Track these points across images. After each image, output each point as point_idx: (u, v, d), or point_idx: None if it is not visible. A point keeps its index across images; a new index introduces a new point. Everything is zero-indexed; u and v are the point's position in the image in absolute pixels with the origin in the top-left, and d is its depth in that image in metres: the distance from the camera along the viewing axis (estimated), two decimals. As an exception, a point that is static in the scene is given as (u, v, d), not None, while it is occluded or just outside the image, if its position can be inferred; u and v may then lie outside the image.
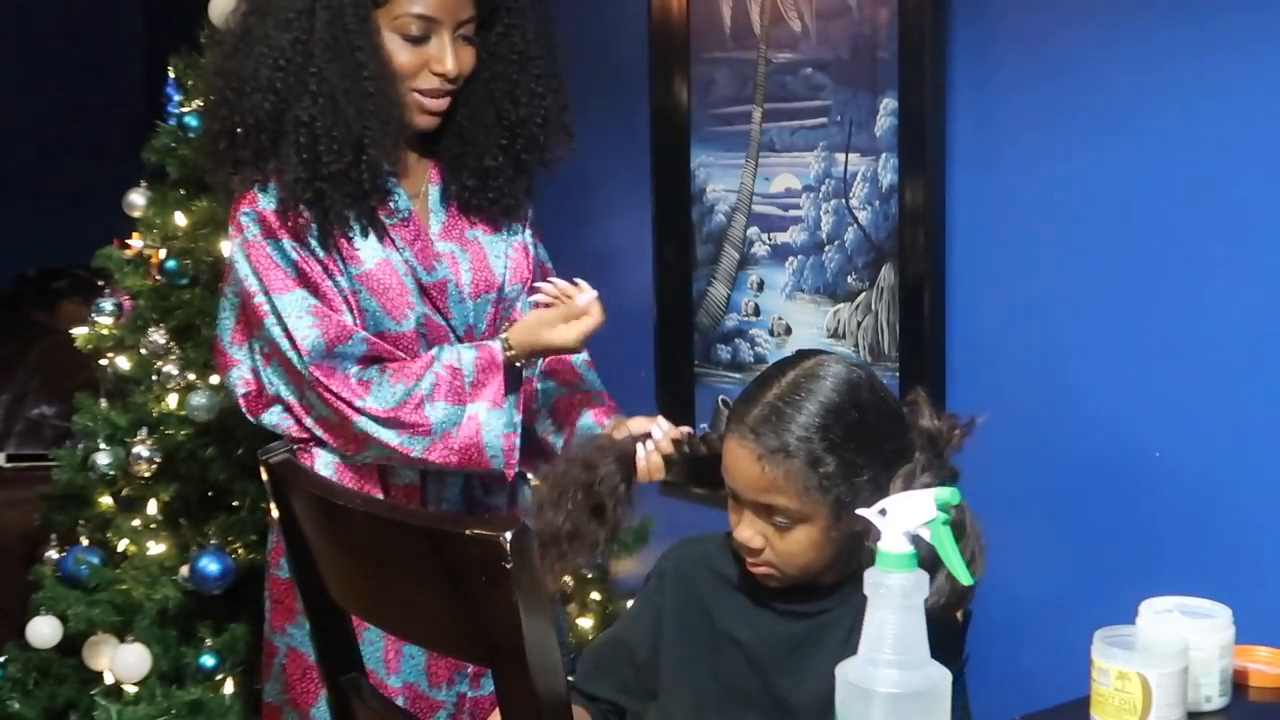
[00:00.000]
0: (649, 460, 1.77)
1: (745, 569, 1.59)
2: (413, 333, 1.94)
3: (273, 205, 1.88)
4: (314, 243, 1.88)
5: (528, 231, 2.10)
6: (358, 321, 1.91)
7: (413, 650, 1.94)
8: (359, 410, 1.86)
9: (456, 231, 2.01)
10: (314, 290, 1.88)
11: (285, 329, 1.87)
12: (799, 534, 1.51)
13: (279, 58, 1.85)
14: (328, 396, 1.87)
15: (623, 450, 1.72)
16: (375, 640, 1.92)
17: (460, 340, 1.99)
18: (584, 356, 2.13)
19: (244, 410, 2.02)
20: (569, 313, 1.89)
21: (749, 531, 1.53)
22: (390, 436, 1.86)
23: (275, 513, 1.58)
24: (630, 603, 1.82)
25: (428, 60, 1.90)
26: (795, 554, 1.52)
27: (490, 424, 1.89)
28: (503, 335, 1.93)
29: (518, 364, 1.93)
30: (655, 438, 1.79)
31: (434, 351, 1.93)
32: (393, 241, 1.93)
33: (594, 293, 1.89)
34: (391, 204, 1.93)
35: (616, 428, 1.94)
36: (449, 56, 1.90)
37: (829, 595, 1.57)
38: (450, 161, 2.00)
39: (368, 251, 1.91)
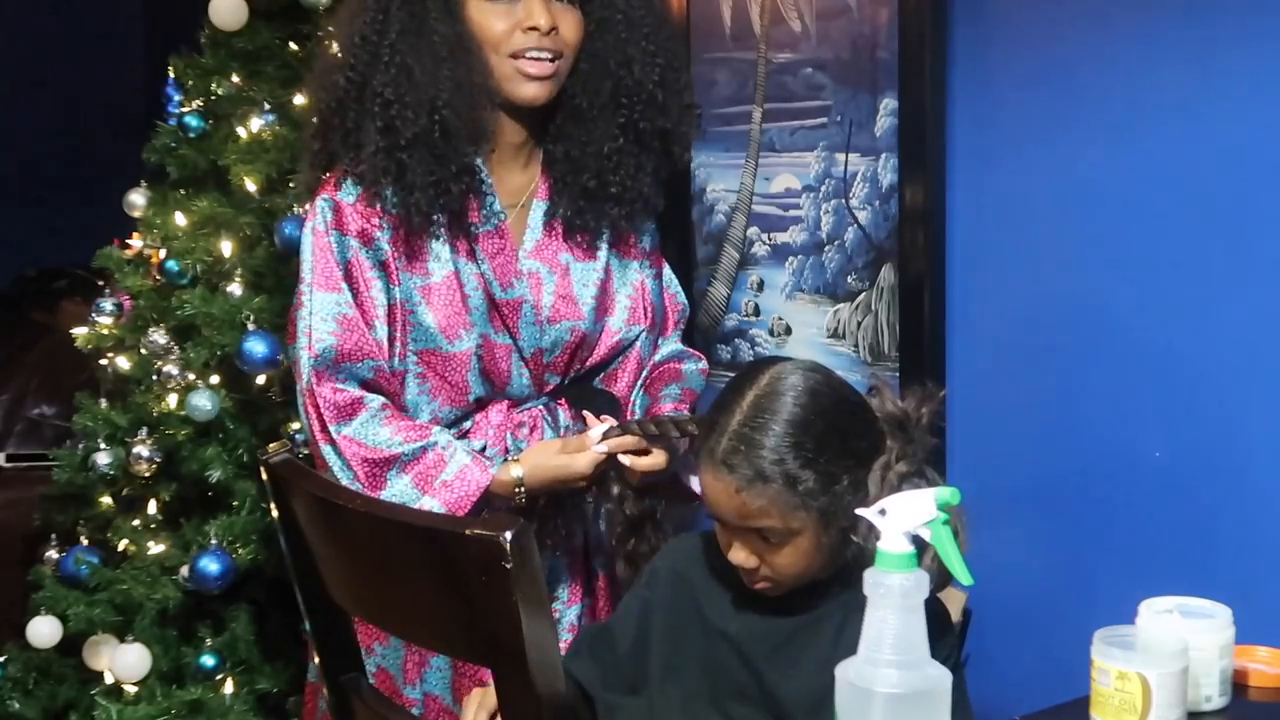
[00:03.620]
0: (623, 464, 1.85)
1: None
2: (466, 353, 1.89)
3: (351, 198, 1.85)
4: (383, 242, 1.84)
5: (647, 268, 2.02)
6: (396, 340, 1.86)
7: (440, 662, 1.92)
8: (330, 437, 1.82)
9: (549, 252, 1.94)
10: (355, 297, 1.84)
11: (309, 325, 1.84)
12: (791, 548, 1.52)
13: (355, 36, 1.84)
14: (310, 409, 1.83)
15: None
16: (397, 648, 1.91)
17: (525, 361, 1.93)
18: (674, 348, 2.08)
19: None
20: (576, 444, 1.85)
21: (742, 554, 1.54)
22: (344, 476, 1.82)
23: (275, 513, 1.58)
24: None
25: (520, 21, 1.84)
26: (790, 564, 1.53)
27: None
28: (518, 460, 1.87)
29: (518, 491, 1.86)
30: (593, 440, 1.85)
31: (437, 431, 1.87)
32: (473, 252, 1.87)
33: (603, 426, 1.86)
34: (483, 210, 1.88)
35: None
36: (538, 9, 1.83)
37: (820, 590, 1.58)
38: (571, 165, 1.92)
39: (438, 262, 1.86)
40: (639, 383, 2.03)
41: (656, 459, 1.84)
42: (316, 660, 2.02)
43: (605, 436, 1.84)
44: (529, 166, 1.95)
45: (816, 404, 1.52)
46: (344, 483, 1.81)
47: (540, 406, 1.97)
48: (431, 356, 1.88)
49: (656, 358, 2.05)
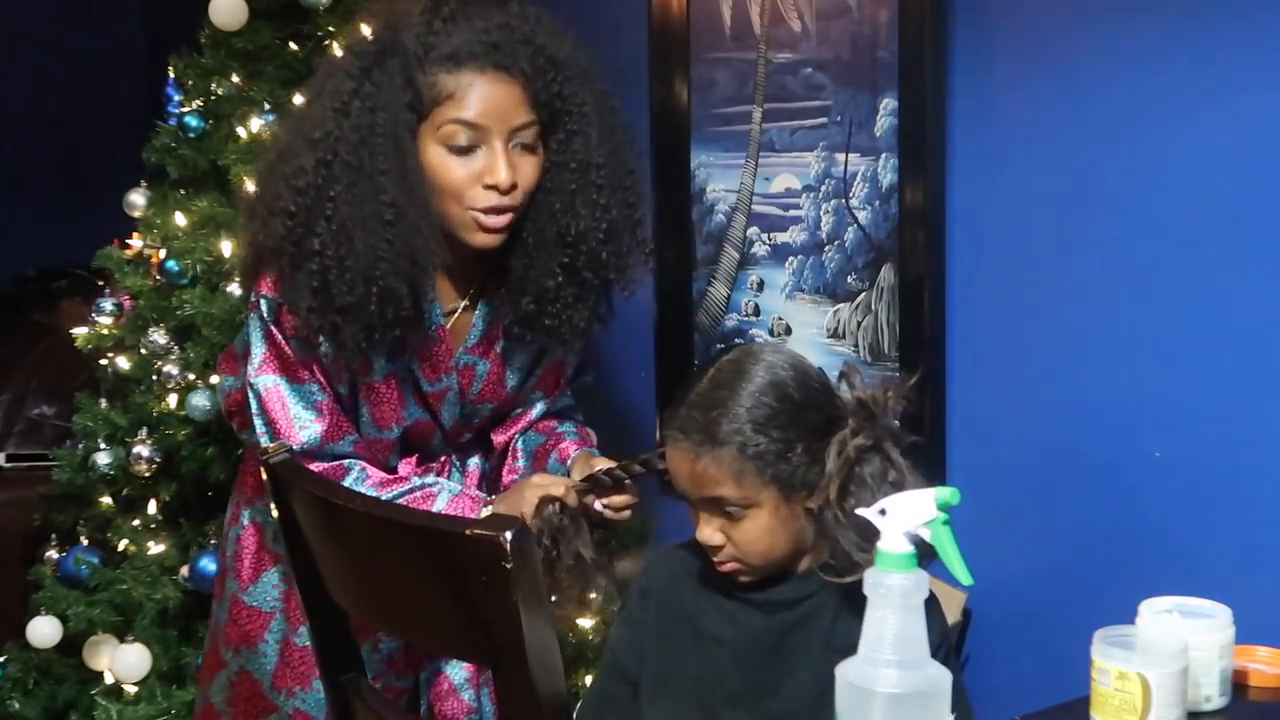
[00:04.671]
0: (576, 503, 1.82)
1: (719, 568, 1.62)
2: (391, 440, 1.92)
3: (288, 309, 1.82)
4: (325, 347, 1.82)
5: (572, 353, 2.03)
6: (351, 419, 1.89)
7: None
8: None
9: (485, 345, 1.94)
10: (321, 387, 1.84)
11: (273, 415, 1.83)
12: (751, 521, 1.54)
13: (300, 180, 1.74)
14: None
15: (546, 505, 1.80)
16: (265, 654, 1.97)
17: (445, 433, 1.97)
18: (566, 401, 2.11)
19: (224, 413, 2.07)
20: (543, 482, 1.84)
21: (707, 530, 1.56)
22: None
23: (275, 512, 1.58)
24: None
25: (480, 174, 1.76)
26: (753, 541, 1.55)
27: None
28: (489, 501, 1.89)
29: None
30: (558, 494, 1.81)
31: (415, 479, 1.90)
32: (406, 355, 1.87)
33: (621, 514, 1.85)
34: (422, 320, 1.85)
35: (577, 465, 1.93)
36: (501, 166, 1.75)
37: (806, 582, 1.59)
38: (513, 283, 1.88)
39: (378, 365, 1.85)
40: (523, 430, 2.06)
41: (628, 499, 1.85)
42: (219, 639, 2.06)
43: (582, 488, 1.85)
44: (476, 270, 1.92)
45: (773, 376, 1.56)
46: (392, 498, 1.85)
47: (451, 454, 2.02)
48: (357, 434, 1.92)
49: (553, 408, 2.10)
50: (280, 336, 1.83)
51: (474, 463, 2.05)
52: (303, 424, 1.83)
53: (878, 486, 1.50)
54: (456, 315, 1.91)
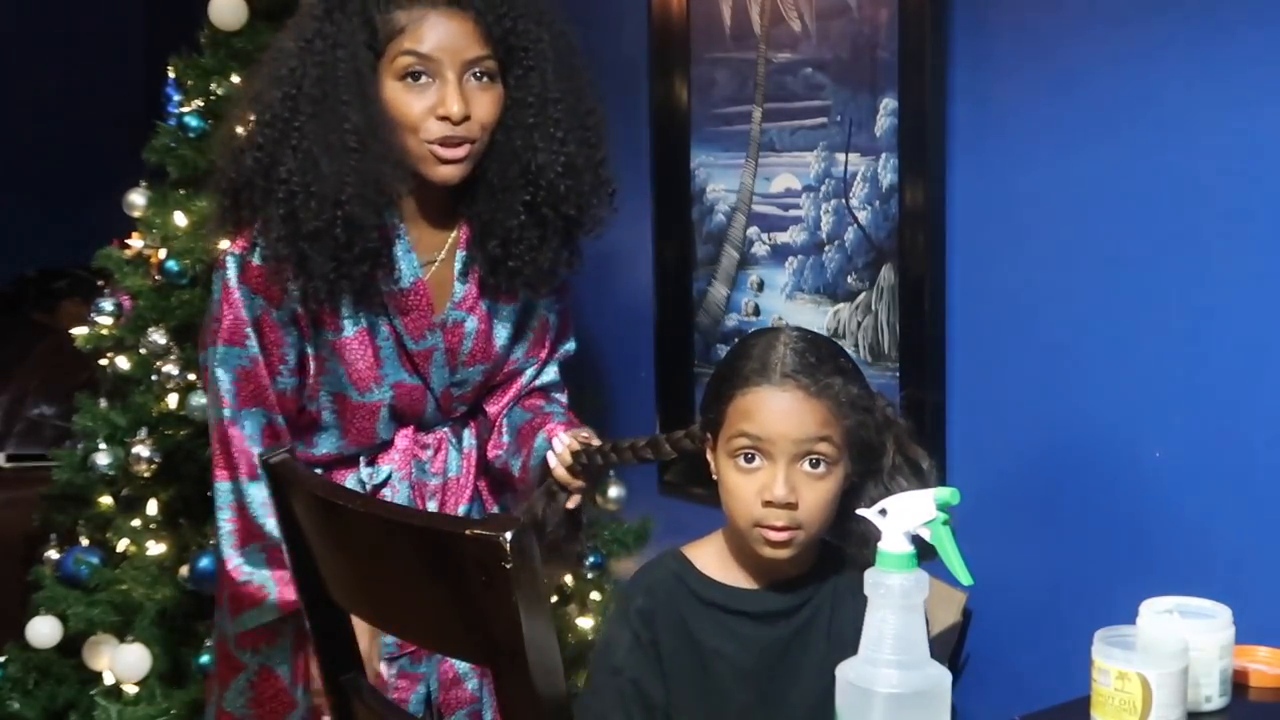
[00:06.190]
0: (556, 474, 1.84)
1: (713, 581, 1.60)
2: (375, 404, 1.92)
3: (258, 258, 1.84)
4: (292, 301, 1.84)
5: (553, 305, 2.04)
6: (309, 383, 1.89)
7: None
8: (241, 479, 1.86)
9: (471, 301, 1.95)
10: (263, 352, 1.85)
11: (214, 375, 1.87)
12: (830, 481, 1.53)
13: (265, 113, 1.81)
14: (219, 445, 1.87)
15: (546, 484, 1.83)
16: (284, 648, 1.96)
17: (437, 401, 1.96)
18: (552, 376, 2.09)
19: (204, 389, 2.05)
20: None
21: (785, 488, 1.51)
22: (224, 510, 1.86)
23: (275, 513, 1.58)
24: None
25: (434, 106, 1.82)
26: (822, 506, 1.54)
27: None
28: None
29: None
30: (556, 450, 1.84)
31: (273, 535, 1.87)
32: (384, 308, 1.88)
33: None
34: (395, 272, 1.87)
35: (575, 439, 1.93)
36: (452, 96, 1.80)
37: (798, 590, 1.59)
38: (481, 226, 1.92)
39: (349, 319, 1.87)
40: (513, 401, 2.06)
41: (579, 484, 1.86)
42: (228, 644, 2.05)
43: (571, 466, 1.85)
44: (452, 219, 1.94)
45: (830, 340, 1.62)
46: (220, 507, 1.87)
47: (445, 430, 2.01)
48: (341, 402, 1.91)
49: (539, 382, 2.08)
50: (239, 293, 1.85)
51: (469, 442, 2.04)
52: (226, 386, 1.85)
53: (915, 470, 1.58)
54: (435, 268, 1.93)
